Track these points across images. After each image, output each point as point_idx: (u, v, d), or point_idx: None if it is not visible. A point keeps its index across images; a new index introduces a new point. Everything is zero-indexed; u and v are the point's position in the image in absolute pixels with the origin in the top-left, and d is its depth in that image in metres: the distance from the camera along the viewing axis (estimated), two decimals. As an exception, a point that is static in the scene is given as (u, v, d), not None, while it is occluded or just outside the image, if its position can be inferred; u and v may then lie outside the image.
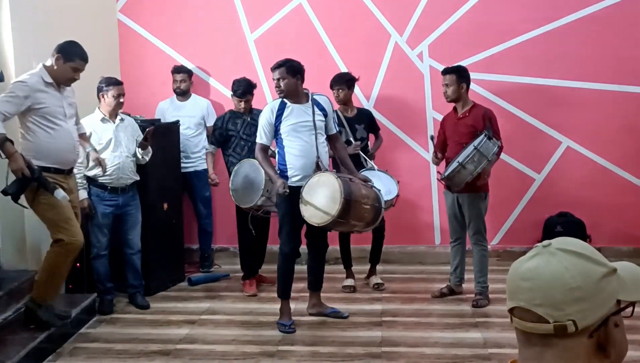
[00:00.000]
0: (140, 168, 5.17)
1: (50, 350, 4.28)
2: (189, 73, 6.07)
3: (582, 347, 1.17)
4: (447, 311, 4.99)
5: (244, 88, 5.42)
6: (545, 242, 1.22)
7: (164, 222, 5.59)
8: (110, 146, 4.97)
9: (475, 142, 4.79)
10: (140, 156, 5.09)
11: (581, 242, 1.22)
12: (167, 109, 6.07)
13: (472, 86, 5.96)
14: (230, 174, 5.39)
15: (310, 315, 4.87)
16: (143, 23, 6.36)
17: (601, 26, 6.00)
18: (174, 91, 6.03)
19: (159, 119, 5.87)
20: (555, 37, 6.03)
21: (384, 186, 4.98)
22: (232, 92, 5.49)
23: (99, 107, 5.05)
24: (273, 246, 5.87)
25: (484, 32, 6.07)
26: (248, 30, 6.28)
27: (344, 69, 5.96)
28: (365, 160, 5.36)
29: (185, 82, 6.01)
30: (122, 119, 5.09)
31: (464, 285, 5.31)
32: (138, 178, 5.16)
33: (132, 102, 5.69)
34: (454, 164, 4.84)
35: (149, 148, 5.11)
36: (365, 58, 6.17)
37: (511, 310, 1.22)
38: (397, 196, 5.16)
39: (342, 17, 6.21)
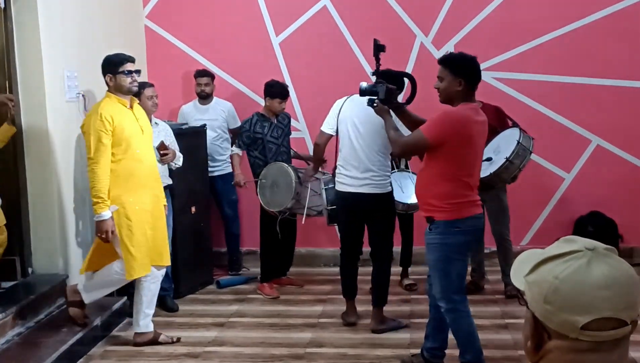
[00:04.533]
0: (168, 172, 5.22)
1: (81, 352, 4.34)
2: (212, 76, 6.10)
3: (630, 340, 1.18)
4: (476, 312, 4.90)
5: (285, 90, 5.47)
6: (588, 245, 1.17)
7: (192, 226, 5.63)
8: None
9: (516, 136, 4.76)
10: (173, 164, 5.15)
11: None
12: (190, 113, 6.12)
13: (499, 85, 5.95)
14: (255, 175, 5.41)
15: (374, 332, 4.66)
16: (169, 28, 6.42)
17: (630, 22, 5.90)
18: (198, 94, 6.06)
19: (187, 124, 5.92)
20: (583, 34, 5.95)
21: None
22: (269, 95, 5.47)
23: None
24: (300, 248, 5.90)
25: (510, 31, 6.01)
26: (273, 33, 6.30)
27: (369, 71, 5.94)
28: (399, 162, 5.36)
29: (209, 86, 6.05)
30: (156, 123, 5.16)
31: (486, 286, 5.32)
32: (170, 182, 5.21)
33: (159, 106, 5.73)
34: (502, 160, 4.76)
35: (178, 154, 5.15)
36: (390, 59, 6.08)
37: (586, 325, 1.13)
38: None
39: (367, 18, 6.19)
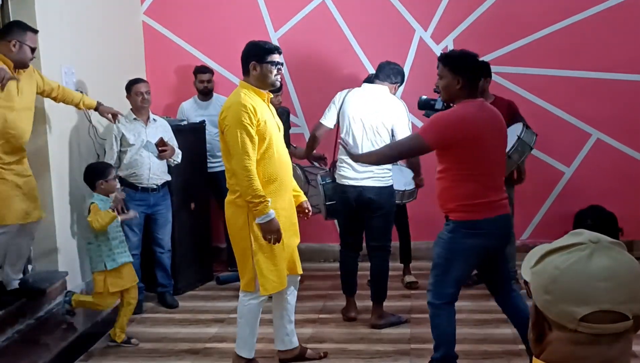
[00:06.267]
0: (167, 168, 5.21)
1: (81, 350, 4.34)
2: (212, 73, 6.10)
3: (633, 336, 1.17)
4: (476, 307, 4.95)
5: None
6: (592, 238, 1.17)
7: (192, 222, 5.62)
8: (140, 146, 5.03)
9: (518, 131, 4.73)
10: (172, 161, 5.15)
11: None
12: (191, 109, 6.10)
13: (499, 79, 5.92)
14: None
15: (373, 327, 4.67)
16: (167, 24, 6.40)
17: (629, 15, 5.89)
18: (200, 91, 6.06)
19: (185, 120, 5.91)
20: (582, 28, 5.93)
21: (404, 177, 4.97)
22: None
23: (131, 109, 5.13)
24: (300, 244, 5.87)
25: (509, 25, 6.00)
26: (272, 29, 6.28)
27: (368, 66, 5.94)
28: None
29: (210, 82, 6.05)
30: (154, 120, 5.16)
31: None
32: (169, 178, 5.21)
33: (158, 103, 5.73)
34: None
35: (177, 150, 5.16)
36: (390, 54, 6.08)
37: (584, 317, 1.12)
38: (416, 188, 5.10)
39: (366, 13, 6.17)
